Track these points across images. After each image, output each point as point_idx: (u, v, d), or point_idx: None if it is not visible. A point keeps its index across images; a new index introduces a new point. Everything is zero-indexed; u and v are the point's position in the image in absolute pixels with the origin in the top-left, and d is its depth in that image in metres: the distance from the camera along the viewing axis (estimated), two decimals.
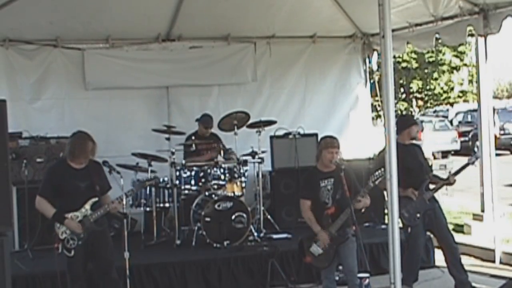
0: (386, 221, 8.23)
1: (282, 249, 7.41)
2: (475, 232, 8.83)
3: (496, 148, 8.66)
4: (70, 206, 5.85)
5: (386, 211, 7.37)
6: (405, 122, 6.92)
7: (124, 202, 5.93)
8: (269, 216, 8.76)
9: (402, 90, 32.80)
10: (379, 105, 11.84)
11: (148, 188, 8.20)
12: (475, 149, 9.45)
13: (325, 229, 5.87)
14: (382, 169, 5.05)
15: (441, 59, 30.41)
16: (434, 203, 6.80)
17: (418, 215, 6.65)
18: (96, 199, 5.89)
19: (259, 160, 8.43)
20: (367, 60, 10.58)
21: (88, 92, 9.35)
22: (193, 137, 8.59)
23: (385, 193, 5.88)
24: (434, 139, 24.06)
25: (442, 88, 28.81)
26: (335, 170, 5.93)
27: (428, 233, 7.18)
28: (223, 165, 8.21)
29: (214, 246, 7.62)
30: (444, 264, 6.92)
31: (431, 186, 6.81)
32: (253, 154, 8.37)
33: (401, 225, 6.61)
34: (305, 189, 6.09)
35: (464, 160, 6.94)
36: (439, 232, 6.87)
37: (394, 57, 15.03)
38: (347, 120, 10.48)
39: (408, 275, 6.76)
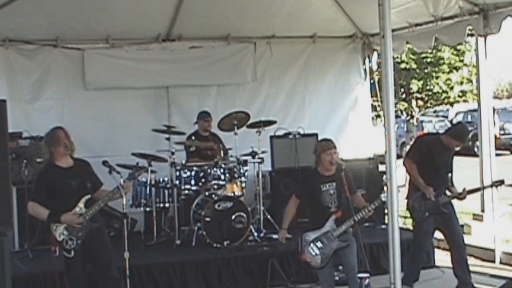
0: (386, 221, 8.23)
1: (282, 249, 7.38)
2: (475, 232, 8.83)
3: (496, 148, 8.65)
4: (64, 206, 5.76)
5: (386, 211, 7.40)
6: (459, 134, 6.76)
7: (124, 202, 5.91)
8: (269, 216, 8.75)
9: (402, 90, 32.77)
10: (379, 105, 11.84)
11: (148, 188, 8.20)
12: (475, 149, 9.42)
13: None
14: None
15: (440, 57, 30.38)
16: (449, 207, 6.70)
17: (427, 213, 6.61)
18: (89, 196, 5.82)
19: (259, 160, 8.42)
20: (367, 60, 10.58)
21: (88, 92, 9.33)
22: (193, 137, 8.59)
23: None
24: None
25: (441, 88, 28.74)
26: (335, 173, 5.94)
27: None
28: (223, 165, 8.21)
29: (214, 246, 7.62)
30: (444, 264, 6.92)
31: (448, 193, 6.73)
32: (253, 154, 8.36)
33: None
34: (301, 187, 6.14)
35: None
36: (448, 230, 6.77)
37: (394, 57, 15.01)
38: (346, 120, 10.47)
39: (410, 274, 6.75)
